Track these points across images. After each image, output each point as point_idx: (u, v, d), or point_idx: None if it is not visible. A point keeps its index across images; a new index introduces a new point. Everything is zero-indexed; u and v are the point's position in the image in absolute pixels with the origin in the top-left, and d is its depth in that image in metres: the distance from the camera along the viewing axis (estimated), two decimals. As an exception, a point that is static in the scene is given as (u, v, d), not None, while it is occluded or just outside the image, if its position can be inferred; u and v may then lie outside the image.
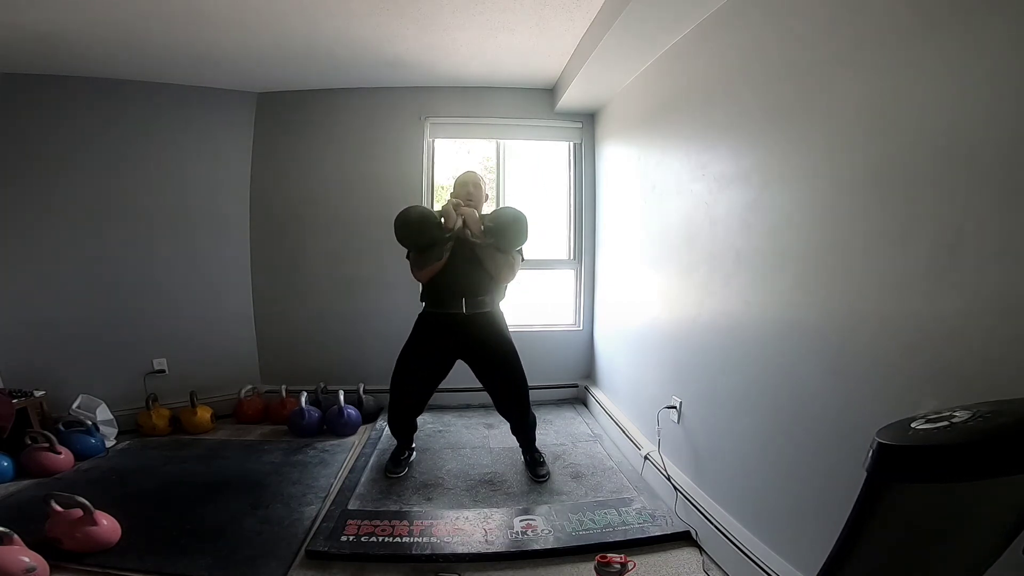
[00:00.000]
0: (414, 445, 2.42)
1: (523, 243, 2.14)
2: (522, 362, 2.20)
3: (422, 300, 2.21)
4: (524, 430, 2.28)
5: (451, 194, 2.26)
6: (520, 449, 2.35)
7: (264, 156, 3.09)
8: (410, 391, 2.21)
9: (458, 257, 2.09)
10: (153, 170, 2.82)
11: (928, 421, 0.63)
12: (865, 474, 0.62)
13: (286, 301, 3.16)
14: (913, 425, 0.63)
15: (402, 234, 2.05)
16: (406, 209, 2.07)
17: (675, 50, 2.02)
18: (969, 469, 0.56)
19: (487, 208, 2.28)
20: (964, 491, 0.61)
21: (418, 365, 2.17)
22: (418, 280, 2.16)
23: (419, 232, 2.04)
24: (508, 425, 2.29)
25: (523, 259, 2.22)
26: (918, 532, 0.66)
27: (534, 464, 2.25)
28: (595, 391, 3.11)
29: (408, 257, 2.16)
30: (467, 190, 2.20)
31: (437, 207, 2.26)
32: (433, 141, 3.21)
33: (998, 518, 0.65)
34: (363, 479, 2.21)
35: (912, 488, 0.62)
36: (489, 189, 2.43)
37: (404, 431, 2.32)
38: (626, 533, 1.78)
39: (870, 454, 0.61)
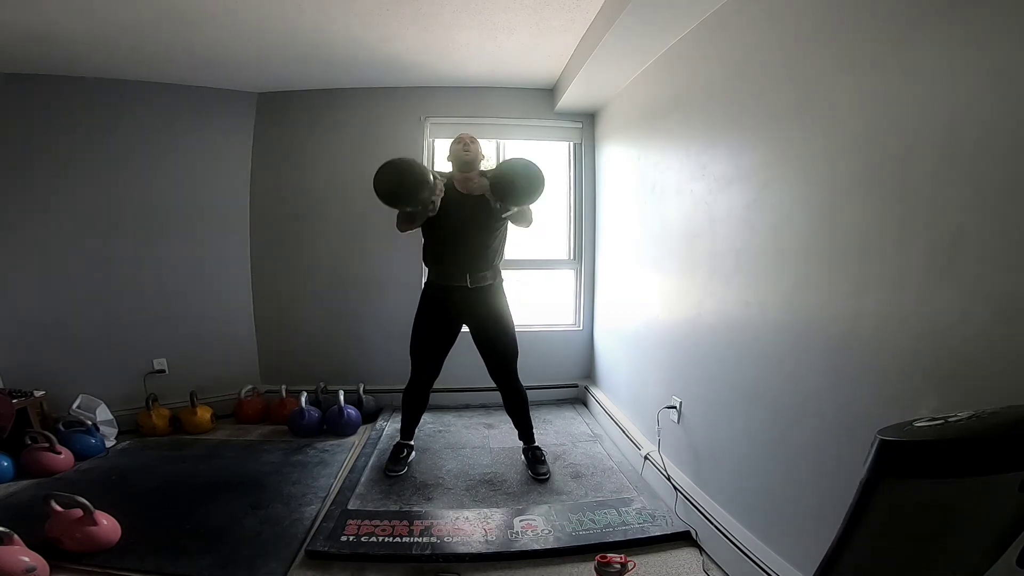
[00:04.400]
0: (413, 443, 2.42)
1: (539, 195, 1.96)
2: (520, 354, 2.27)
3: (425, 263, 2.23)
4: (516, 403, 2.30)
5: (448, 155, 2.22)
6: (520, 448, 2.36)
7: (264, 156, 3.09)
8: (428, 356, 2.25)
9: (460, 226, 2.08)
10: (153, 170, 2.82)
11: (930, 420, 0.64)
12: (865, 472, 0.62)
13: (286, 301, 3.16)
14: (915, 423, 0.64)
15: (389, 194, 1.84)
16: (395, 170, 1.84)
17: (675, 50, 2.02)
18: (963, 465, 0.57)
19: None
20: (961, 490, 0.61)
21: (430, 331, 2.23)
22: (399, 231, 2.14)
23: (409, 198, 1.88)
24: (508, 425, 2.27)
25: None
26: (915, 532, 0.66)
27: (534, 462, 2.26)
28: (595, 391, 3.11)
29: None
30: (462, 145, 2.15)
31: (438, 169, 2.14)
32: (433, 141, 3.20)
33: (994, 521, 0.65)
34: (363, 479, 2.20)
35: (910, 487, 0.62)
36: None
37: (417, 403, 2.34)
38: (626, 533, 1.78)
39: (872, 452, 0.61)
